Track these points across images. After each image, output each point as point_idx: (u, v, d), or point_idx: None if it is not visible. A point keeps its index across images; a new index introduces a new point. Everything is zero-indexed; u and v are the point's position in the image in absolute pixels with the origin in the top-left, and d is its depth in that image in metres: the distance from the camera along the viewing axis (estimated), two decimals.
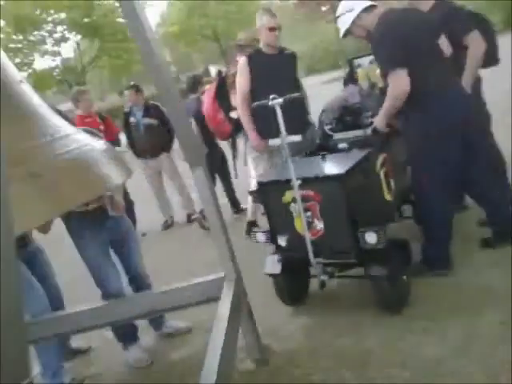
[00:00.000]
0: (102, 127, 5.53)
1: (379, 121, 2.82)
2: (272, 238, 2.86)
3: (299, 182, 2.58)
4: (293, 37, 31.63)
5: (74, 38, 20.46)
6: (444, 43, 2.87)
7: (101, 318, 2.73)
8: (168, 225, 5.90)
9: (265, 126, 3.80)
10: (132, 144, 5.74)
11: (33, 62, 19.87)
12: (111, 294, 2.83)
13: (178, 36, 27.14)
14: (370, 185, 2.72)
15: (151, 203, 6.07)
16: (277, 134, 2.62)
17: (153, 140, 5.52)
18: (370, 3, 2.81)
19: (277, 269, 2.88)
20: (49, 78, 19.58)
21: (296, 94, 2.48)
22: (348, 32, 2.89)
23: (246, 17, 27.03)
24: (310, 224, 2.66)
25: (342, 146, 3.25)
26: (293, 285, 2.96)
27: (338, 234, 2.61)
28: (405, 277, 2.70)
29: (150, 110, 5.55)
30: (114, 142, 5.72)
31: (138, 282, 3.07)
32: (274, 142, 2.64)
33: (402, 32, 2.65)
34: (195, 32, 26.26)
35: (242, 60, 3.76)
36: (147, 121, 5.53)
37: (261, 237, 2.91)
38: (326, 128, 3.37)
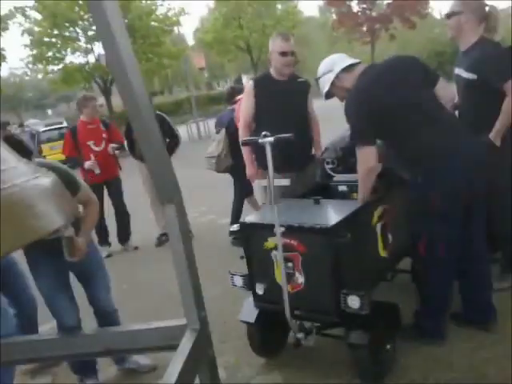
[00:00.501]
0: (105, 135, 5.44)
1: (360, 197, 2.59)
2: (250, 284, 2.62)
3: (283, 229, 2.35)
4: (328, 53, 31.53)
5: None
6: (446, 89, 2.61)
7: (54, 350, 2.52)
8: (163, 240, 5.69)
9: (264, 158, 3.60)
10: (132, 148, 5.61)
11: (65, 57, 20.13)
12: (65, 327, 2.63)
13: (212, 44, 27.29)
14: (363, 240, 2.46)
15: (149, 213, 5.89)
16: (276, 169, 2.41)
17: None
18: (349, 62, 2.60)
19: (251, 317, 2.65)
20: (78, 75, 19.78)
21: (288, 135, 2.25)
22: (329, 94, 2.68)
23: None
24: (290, 276, 2.42)
25: (341, 188, 3.01)
26: (267, 337, 2.71)
27: (319, 291, 2.35)
28: (389, 346, 2.44)
29: None
30: (120, 147, 5.63)
31: (101, 317, 2.87)
32: (260, 182, 2.41)
33: (377, 99, 2.42)
34: (229, 42, 26.33)
35: (249, 83, 3.55)
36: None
37: (238, 281, 2.68)
38: (327, 167, 3.14)
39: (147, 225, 6.00)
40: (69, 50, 20.09)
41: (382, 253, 2.64)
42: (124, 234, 5.76)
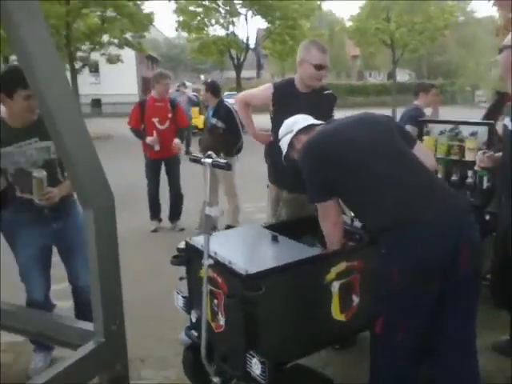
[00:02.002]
0: (170, 115, 5.50)
1: (329, 247, 2.26)
2: (187, 307, 2.44)
3: (211, 261, 2.11)
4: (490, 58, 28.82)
5: (246, 14, 21.04)
6: (424, 154, 2.20)
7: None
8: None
9: (274, 175, 3.32)
10: (200, 140, 5.66)
11: (206, 27, 20.91)
12: (32, 303, 2.69)
13: (354, 33, 26.40)
14: (300, 298, 2.10)
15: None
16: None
17: (213, 141, 5.28)
18: (310, 122, 2.28)
19: (184, 342, 2.47)
20: (213, 47, 20.45)
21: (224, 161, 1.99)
22: (288, 157, 2.34)
23: (432, 31, 25.20)
24: (214, 314, 2.19)
25: None
26: (197, 367, 2.50)
27: (233, 341, 2.09)
28: None
29: (220, 110, 5.31)
30: (181, 129, 5.67)
31: (76, 295, 2.90)
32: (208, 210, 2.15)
33: (330, 150, 2.09)
34: (371, 34, 25.19)
35: (267, 87, 3.24)
36: (214, 121, 5.31)
37: (180, 301, 2.50)
38: None
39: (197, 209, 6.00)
40: (211, 21, 20.80)
41: (337, 316, 2.24)
42: (175, 214, 5.85)
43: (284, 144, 2.35)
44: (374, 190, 1.98)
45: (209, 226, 2.10)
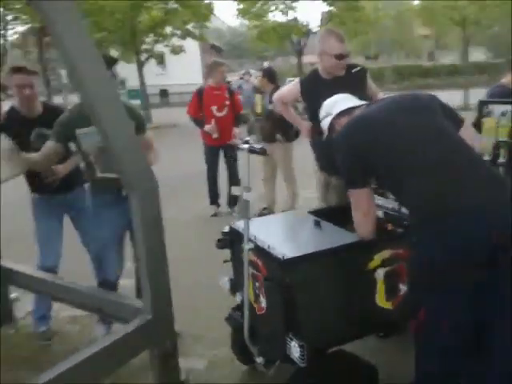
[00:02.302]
0: (228, 102, 5.59)
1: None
2: (232, 289, 2.51)
3: (251, 245, 2.16)
4: None
5: None
6: (470, 135, 2.10)
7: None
8: (263, 214, 5.73)
9: (321, 159, 3.30)
10: (249, 126, 5.73)
11: (265, 14, 20.78)
12: (43, 267, 2.98)
13: (419, 12, 25.22)
14: (340, 284, 2.10)
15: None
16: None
17: (271, 127, 5.33)
18: (350, 105, 2.23)
19: (233, 323, 2.55)
20: (273, 33, 20.32)
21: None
22: (329, 140, 2.26)
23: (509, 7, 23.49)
24: (257, 296, 2.24)
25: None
26: (244, 347, 2.57)
27: (273, 323, 2.13)
28: None
29: None
30: (238, 115, 5.74)
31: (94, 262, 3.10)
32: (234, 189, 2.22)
33: (368, 135, 2.03)
34: (438, 12, 23.92)
35: (295, 83, 3.30)
36: (271, 107, 5.33)
37: (224, 282, 2.58)
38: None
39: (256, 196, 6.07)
40: (271, 7, 20.65)
41: (383, 303, 2.22)
42: (233, 199, 5.96)
43: (324, 126, 2.33)
44: (413, 176, 1.92)
45: (247, 210, 2.15)
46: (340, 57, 2.95)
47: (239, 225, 2.36)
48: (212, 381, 2.56)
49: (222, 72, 5.59)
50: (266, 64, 16.41)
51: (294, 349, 1.96)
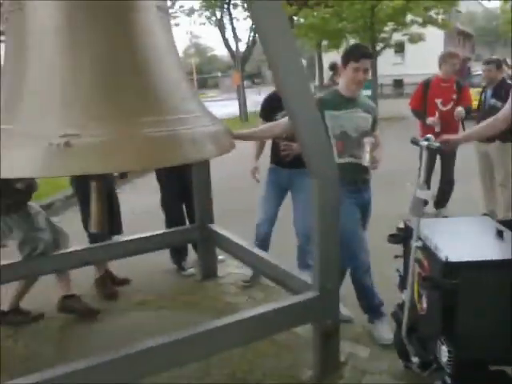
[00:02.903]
0: (454, 96, 5.29)
1: None
2: (400, 286, 2.50)
3: (419, 244, 2.14)
4: None
5: None
6: None
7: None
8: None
9: None
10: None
11: None
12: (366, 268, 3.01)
13: None
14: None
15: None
16: None
17: None
18: None
19: (396, 319, 2.55)
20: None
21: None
22: None
23: None
24: (420, 296, 2.20)
25: None
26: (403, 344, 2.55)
27: (430, 326, 2.07)
28: None
29: (500, 90, 4.80)
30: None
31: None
32: (419, 192, 2.17)
33: None
34: None
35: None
36: (493, 102, 4.85)
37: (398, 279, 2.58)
38: None
39: (466, 198, 5.64)
40: None
41: None
42: (441, 200, 5.66)
43: None
44: None
45: (420, 208, 2.12)
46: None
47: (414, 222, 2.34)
48: (369, 370, 2.61)
49: (454, 64, 5.29)
50: None
51: (443, 353, 1.91)
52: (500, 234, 2.15)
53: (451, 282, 1.86)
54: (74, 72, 2.07)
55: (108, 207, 3.68)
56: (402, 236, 2.44)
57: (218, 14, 18.10)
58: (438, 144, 2.05)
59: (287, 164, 3.47)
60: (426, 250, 2.12)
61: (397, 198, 6.23)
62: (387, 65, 26.32)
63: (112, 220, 3.44)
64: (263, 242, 3.60)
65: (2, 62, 2.25)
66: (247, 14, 19.84)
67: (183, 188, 3.93)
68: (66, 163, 1.89)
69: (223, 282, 3.79)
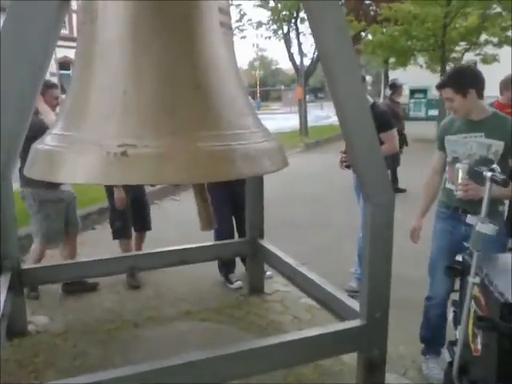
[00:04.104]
0: None
1: None
2: (455, 322, 2.36)
3: (477, 280, 2.00)
4: None
5: None
6: None
7: None
8: None
9: None
10: None
11: None
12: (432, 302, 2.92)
13: None
14: None
15: None
16: None
17: None
18: None
19: (448, 356, 2.40)
20: None
21: None
22: None
23: None
24: (475, 336, 2.06)
25: None
26: None
27: (485, 369, 1.92)
28: None
29: None
30: None
31: None
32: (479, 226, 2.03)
33: None
34: None
35: None
36: None
37: (451, 314, 2.44)
38: None
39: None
40: None
41: None
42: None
43: None
44: None
45: (479, 242, 2.00)
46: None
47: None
48: None
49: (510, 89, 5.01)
50: None
51: None
52: None
53: (509, 326, 1.72)
54: (136, 83, 2.12)
55: (139, 208, 4.06)
56: (460, 270, 2.30)
57: (285, 28, 18.18)
58: (503, 176, 1.92)
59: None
60: (484, 287, 1.98)
61: None
62: None
63: (145, 219, 4.23)
64: None
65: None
66: None
67: (234, 201, 3.95)
68: (122, 172, 1.94)
69: (269, 299, 3.75)
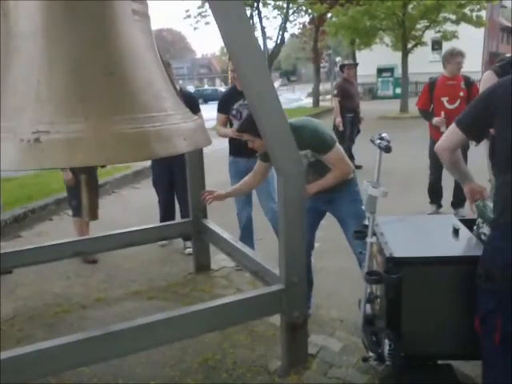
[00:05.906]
0: (462, 94, 5.24)
1: None
2: None
3: (374, 240, 2.19)
4: None
5: None
6: None
7: None
8: None
9: None
10: None
11: None
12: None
13: None
14: (458, 297, 1.94)
15: None
16: None
17: None
18: None
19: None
20: None
21: None
22: None
23: None
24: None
25: None
26: None
27: (379, 320, 2.13)
28: None
29: None
30: None
31: None
32: (371, 190, 2.23)
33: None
34: None
35: None
36: None
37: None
38: None
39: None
40: None
41: None
42: (458, 200, 5.57)
43: None
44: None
45: (373, 205, 2.18)
46: None
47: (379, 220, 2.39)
48: (337, 363, 2.67)
49: (457, 63, 5.23)
50: None
51: (386, 346, 1.96)
52: (456, 232, 2.18)
53: (391, 277, 1.91)
54: (49, 71, 2.23)
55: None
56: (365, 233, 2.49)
57: (248, 13, 18.20)
58: (386, 143, 2.09)
59: (245, 154, 3.55)
60: (379, 246, 2.17)
61: (404, 197, 6.25)
62: (423, 62, 25.75)
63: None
64: (247, 228, 3.89)
65: None
66: (277, 12, 19.93)
67: (172, 175, 4.30)
68: (36, 158, 2.06)
69: (215, 275, 3.92)
